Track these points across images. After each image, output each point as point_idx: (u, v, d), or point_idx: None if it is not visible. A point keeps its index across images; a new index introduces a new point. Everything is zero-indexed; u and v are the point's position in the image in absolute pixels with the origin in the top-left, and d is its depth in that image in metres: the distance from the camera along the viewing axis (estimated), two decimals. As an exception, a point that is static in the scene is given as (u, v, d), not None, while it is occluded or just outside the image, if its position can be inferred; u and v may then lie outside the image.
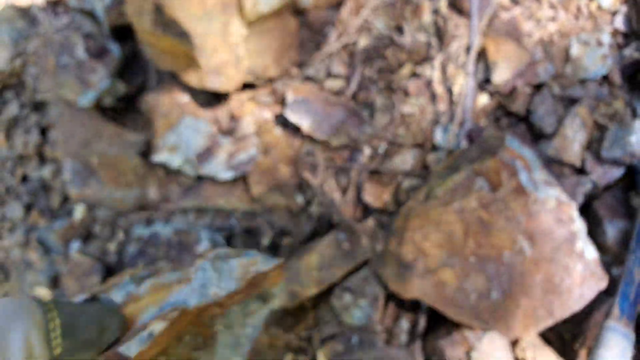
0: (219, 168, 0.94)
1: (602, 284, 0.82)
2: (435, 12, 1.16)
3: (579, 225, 0.82)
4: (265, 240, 0.99)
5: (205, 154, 0.94)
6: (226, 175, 0.96)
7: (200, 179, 1.00)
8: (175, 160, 0.95)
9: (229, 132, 1.03)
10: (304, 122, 0.98)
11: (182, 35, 0.85)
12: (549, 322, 0.81)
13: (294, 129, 1.02)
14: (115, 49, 1.03)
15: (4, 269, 1.18)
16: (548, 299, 0.80)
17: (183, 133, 0.95)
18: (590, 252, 0.82)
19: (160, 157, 0.95)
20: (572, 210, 0.82)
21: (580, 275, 0.81)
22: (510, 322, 0.80)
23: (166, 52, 0.94)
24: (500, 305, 0.79)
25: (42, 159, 1.15)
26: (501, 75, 1.02)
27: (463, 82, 1.06)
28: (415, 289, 0.83)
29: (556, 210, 0.81)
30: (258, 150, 0.96)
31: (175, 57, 0.94)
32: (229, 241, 0.98)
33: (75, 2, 1.07)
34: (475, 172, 0.83)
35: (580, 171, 1.05)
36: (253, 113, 1.05)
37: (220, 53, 0.90)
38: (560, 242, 0.81)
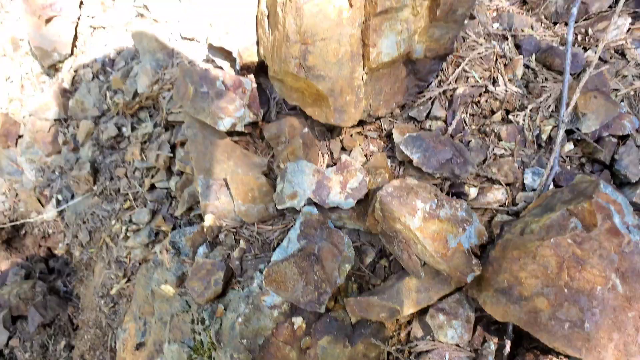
0: (338, 198, 1.06)
1: (691, 326, 0.88)
2: (526, 66, 1.28)
3: (670, 269, 0.89)
4: (368, 259, 1.11)
5: (320, 189, 1.07)
6: (348, 203, 1.07)
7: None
8: (299, 204, 1.09)
9: (333, 164, 1.18)
10: (415, 156, 1.09)
11: (319, 77, 1.00)
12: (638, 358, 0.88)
13: (400, 162, 1.15)
14: (248, 83, 1.20)
15: (124, 267, 1.35)
16: None
17: (293, 179, 1.09)
18: (681, 295, 0.89)
19: (284, 205, 1.08)
20: (664, 255, 0.90)
21: (670, 315, 0.88)
22: (602, 353, 0.87)
23: (297, 89, 1.10)
24: (593, 336, 0.87)
25: (169, 171, 1.32)
26: (589, 126, 1.12)
27: (551, 130, 1.17)
28: (510, 313, 0.92)
29: (648, 253, 0.89)
30: (365, 174, 1.09)
31: (304, 95, 1.10)
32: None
33: (216, 40, 1.26)
34: (570, 212, 0.93)
35: (662, 220, 1.12)
36: (361, 146, 1.19)
37: (345, 94, 1.04)
38: (651, 283, 0.88)
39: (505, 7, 1.49)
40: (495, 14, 1.44)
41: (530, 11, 1.53)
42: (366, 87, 1.09)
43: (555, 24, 1.48)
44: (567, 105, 1.13)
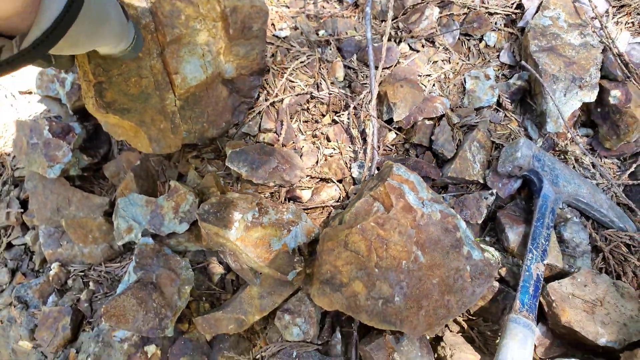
0: (173, 224, 1.10)
1: (491, 280, 0.97)
2: (348, 67, 1.36)
3: (464, 232, 0.98)
4: (216, 276, 1.15)
5: (155, 218, 1.10)
6: (183, 227, 1.10)
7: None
8: (137, 236, 1.11)
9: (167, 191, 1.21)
10: (243, 170, 1.15)
11: (124, 111, 1.03)
12: (449, 319, 0.95)
13: (236, 178, 1.20)
14: (77, 127, 1.22)
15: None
16: (445, 298, 0.95)
17: (126, 214, 1.11)
18: (477, 254, 0.98)
19: (123, 241, 1.11)
20: (456, 220, 0.99)
21: (470, 275, 0.96)
22: (414, 322, 0.94)
23: (116, 125, 1.13)
24: (404, 308, 0.94)
25: (24, 227, 1.32)
26: (400, 114, 1.21)
27: (371, 124, 1.25)
28: (335, 301, 0.97)
29: (441, 222, 0.98)
30: (195, 196, 1.13)
31: (124, 129, 1.13)
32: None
33: (41, 90, 1.28)
34: (373, 197, 1.00)
35: (485, 186, 1.22)
36: (199, 168, 1.23)
37: (159, 122, 1.08)
38: (448, 248, 0.96)
39: (337, 12, 1.58)
40: (321, 21, 1.52)
41: (362, 12, 1.62)
42: (183, 112, 1.13)
43: (383, 21, 1.58)
44: (376, 99, 1.22)
